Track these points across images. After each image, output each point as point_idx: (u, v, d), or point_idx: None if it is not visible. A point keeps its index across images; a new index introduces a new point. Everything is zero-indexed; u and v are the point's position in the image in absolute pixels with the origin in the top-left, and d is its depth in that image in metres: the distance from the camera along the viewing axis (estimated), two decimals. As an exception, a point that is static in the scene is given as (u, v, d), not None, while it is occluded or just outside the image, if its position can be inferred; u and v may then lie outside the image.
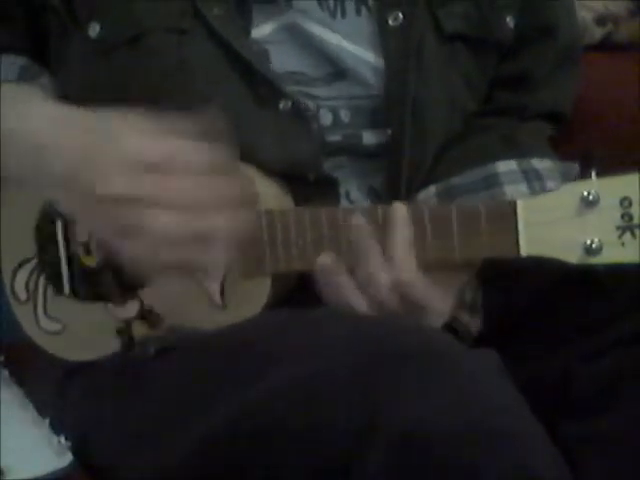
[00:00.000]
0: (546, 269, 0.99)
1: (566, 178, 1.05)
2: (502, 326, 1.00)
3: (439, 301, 0.94)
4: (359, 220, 0.93)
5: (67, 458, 1.00)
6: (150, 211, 0.80)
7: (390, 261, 0.92)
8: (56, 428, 1.03)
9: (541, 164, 1.06)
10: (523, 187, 1.04)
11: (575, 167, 1.05)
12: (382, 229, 0.93)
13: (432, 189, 1.06)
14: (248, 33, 0.99)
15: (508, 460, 0.80)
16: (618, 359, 0.95)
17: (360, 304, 0.93)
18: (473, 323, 1.00)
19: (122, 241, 0.81)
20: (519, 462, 0.81)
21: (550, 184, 1.04)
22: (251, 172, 0.97)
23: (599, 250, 0.89)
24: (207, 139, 0.82)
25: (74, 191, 0.83)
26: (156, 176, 0.81)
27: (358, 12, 1.02)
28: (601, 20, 1.41)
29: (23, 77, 1.02)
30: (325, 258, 0.93)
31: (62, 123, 0.87)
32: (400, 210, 0.93)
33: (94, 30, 0.99)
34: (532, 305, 1.04)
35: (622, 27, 1.42)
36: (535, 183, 1.04)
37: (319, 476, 0.83)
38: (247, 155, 0.96)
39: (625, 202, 0.88)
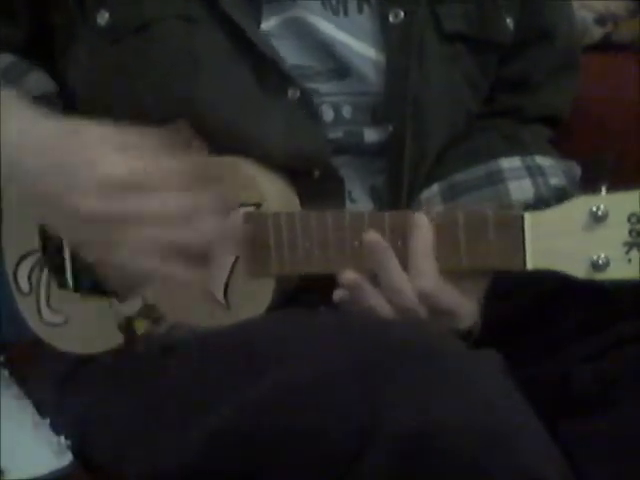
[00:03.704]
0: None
1: (568, 176, 1.05)
2: (503, 326, 1.00)
3: (463, 307, 0.93)
4: (372, 237, 0.92)
5: (67, 458, 1.00)
6: (128, 227, 0.82)
7: (410, 270, 0.91)
8: (56, 428, 1.03)
9: (544, 161, 1.06)
10: (527, 183, 1.04)
11: (576, 166, 1.05)
12: (395, 236, 0.92)
13: (435, 187, 1.06)
14: (258, 24, 0.99)
15: (509, 460, 0.80)
16: (618, 359, 0.95)
17: (387, 312, 0.92)
18: (474, 323, 1.00)
19: (106, 257, 0.84)
20: (520, 462, 0.81)
21: (554, 180, 1.04)
22: (256, 171, 0.97)
23: (606, 266, 0.88)
24: (178, 152, 0.85)
25: (51, 207, 0.85)
26: (131, 194, 0.83)
27: (360, 9, 1.03)
28: (601, 20, 1.41)
29: (5, 77, 1.02)
30: (348, 275, 0.92)
31: (35, 139, 0.87)
32: (422, 220, 0.92)
33: (103, 18, 0.98)
34: (533, 305, 1.04)
35: (622, 27, 1.42)
36: (539, 179, 1.04)
37: (319, 477, 0.83)
38: (254, 146, 0.96)
39: (633, 218, 0.87)
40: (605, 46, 1.40)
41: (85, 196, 0.83)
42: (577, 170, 1.06)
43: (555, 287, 1.01)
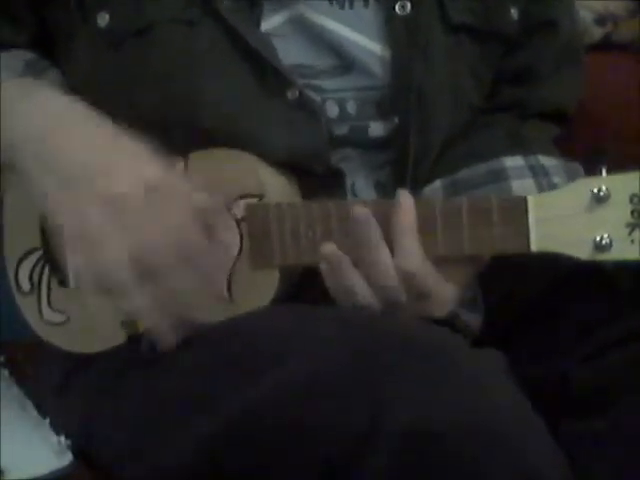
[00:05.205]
0: (546, 268, 0.99)
1: (571, 177, 1.05)
2: (502, 325, 1.00)
3: (443, 291, 0.93)
4: (360, 210, 0.92)
5: (67, 458, 1.00)
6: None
7: (395, 249, 0.92)
8: (56, 428, 1.03)
9: (547, 161, 1.06)
10: (530, 182, 1.04)
11: (579, 167, 1.05)
12: (388, 221, 0.93)
13: (438, 183, 1.06)
14: (258, 24, 1.00)
15: (510, 459, 0.80)
16: (618, 359, 0.95)
17: (365, 293, 0.92)
18: (473, 320, 1.00)
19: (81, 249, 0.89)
20: (521, 461, 0.81)
21: (557, 180, 1.04)
22: (258, 163, 0.97)
23: (609, 247, 0.89)
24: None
25: (71, 188, 0.88)
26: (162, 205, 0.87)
27: (366, 3, 1.03)
28: (601, 20, 1.41)
29: (29, 72, 1.02)
30: (328, 247, 0.93)
31: (66, 122, 0.91)
32: (405, 197, 0.92)
33: (103, 20, 0.99)
34: (532, 305, 1.04)
35: (622, 27, 1.42)
36: (542, 178, 1.04)
37: (320, 476, 0.83)
38: (254, 147, 0.96)
39: (635, 199, 0.88)
40: (605, 46, 1.40)
41: (123, 182, 0.88)
42: (580, 172, 1.06)
43: (555, 286, 1.02)
